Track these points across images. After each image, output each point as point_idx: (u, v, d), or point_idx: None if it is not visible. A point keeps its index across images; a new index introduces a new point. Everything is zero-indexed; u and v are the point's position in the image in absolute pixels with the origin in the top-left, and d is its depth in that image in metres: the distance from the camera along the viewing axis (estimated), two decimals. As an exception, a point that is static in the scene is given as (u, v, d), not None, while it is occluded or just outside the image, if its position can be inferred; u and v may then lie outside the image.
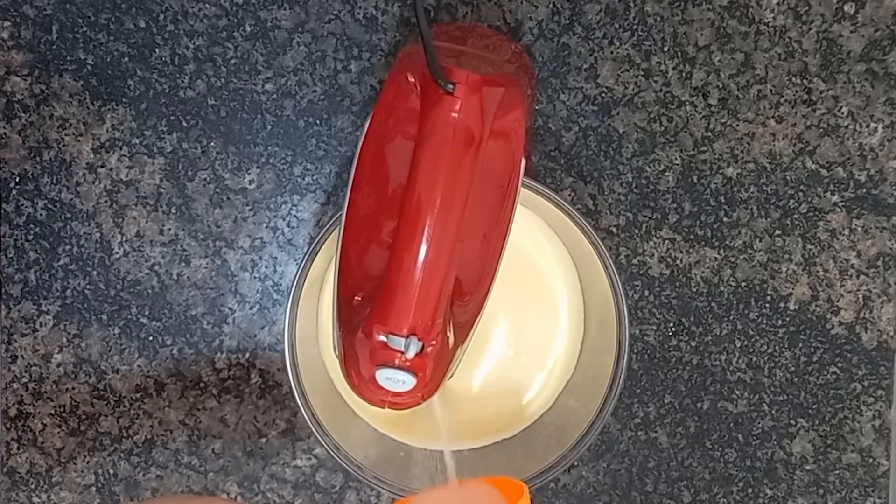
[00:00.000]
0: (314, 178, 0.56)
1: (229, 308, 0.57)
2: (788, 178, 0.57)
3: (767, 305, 0.57)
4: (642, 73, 0.56)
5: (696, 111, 0.56)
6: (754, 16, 0.55)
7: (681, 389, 0.58)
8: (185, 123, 0.56)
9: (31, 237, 0.56)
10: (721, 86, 0.56)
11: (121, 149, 0.56)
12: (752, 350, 0.58)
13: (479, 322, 0.44)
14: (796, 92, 0.56)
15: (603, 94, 0.56)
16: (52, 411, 0.57)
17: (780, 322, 0.58)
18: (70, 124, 0.56)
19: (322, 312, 0.54)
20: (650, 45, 0.56)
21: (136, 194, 0.56)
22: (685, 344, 0.58)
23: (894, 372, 0.58)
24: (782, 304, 0.57)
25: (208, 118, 0.55)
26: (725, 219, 0.57)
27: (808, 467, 0.58)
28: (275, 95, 0.56)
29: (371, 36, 0.55)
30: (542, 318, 0.54)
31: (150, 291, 0.57)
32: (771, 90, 0.56)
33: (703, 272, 0.57)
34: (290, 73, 0.55)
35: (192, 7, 0.55)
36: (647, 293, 0.57)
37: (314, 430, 0.49)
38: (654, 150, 0.56)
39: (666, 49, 0.56)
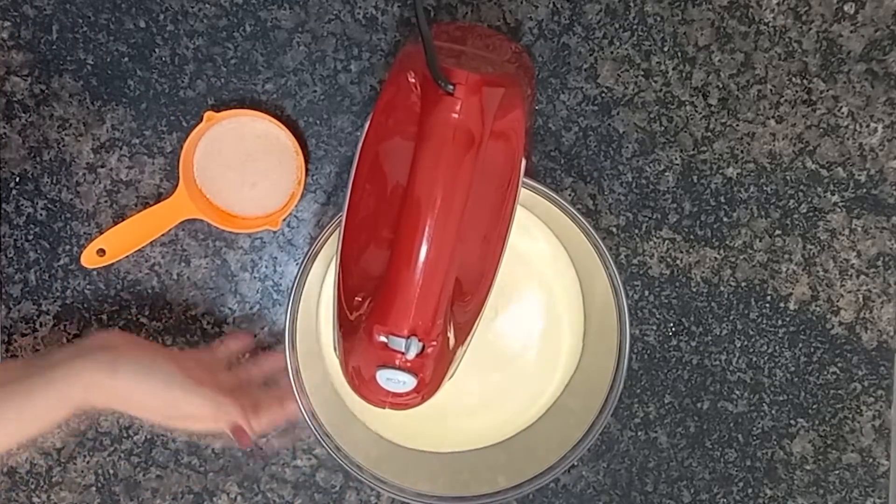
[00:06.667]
0: (314, 178, 0.56)
1: (229, 308, 0.57)
2: (788, 178, 0.57)
3: (767, 305, 0.57)
4: (642, 73, 0.56)
5: (696, 111, 0.56)
6: (754, 16, 0.55)
7: (681, 389, 0.58)
8: (185, 123, 0.56)
9: (31, 237, 0.56)
10: (721, 86, 0.56)
11: (121, 149, 0.56)
12: (752, 350, 0.58)
13: (479, 322, 0.44)
14: (796, 92, 0.56)
15: (603, 94, 0.56)
16: (52, 411, 0.57)
17: (780, 322, 0.58)
18: (70, 124, 0.56)
19: (322, 312, 0.54)
20: (650, 45, 0.56)
21: (136, 194, 0.56)
22: (685, 344, 0.58)
23: (894, 372, 0.58)
24: (782, 304, 0.57)
25: (208, 118, 0.55)
26: (725, 219, 0.57)
27: (808, 467, 0.58)
28: (275, 95, 0.56)
29: (371, 36, 0.55)
30: (542, 318, 0.54)
31: (150, 291, 0.57)
32: (771, 90, 0.56)
33: (703, 272, 0.57)
34: (290, 73, 0.55)
35: (192, 7, 0.55)
36: (647, 293, 0.57)
37: (314, 430, 0.49)
38: (654, 150, 0.56)
39: (666, 49, 0.56)
